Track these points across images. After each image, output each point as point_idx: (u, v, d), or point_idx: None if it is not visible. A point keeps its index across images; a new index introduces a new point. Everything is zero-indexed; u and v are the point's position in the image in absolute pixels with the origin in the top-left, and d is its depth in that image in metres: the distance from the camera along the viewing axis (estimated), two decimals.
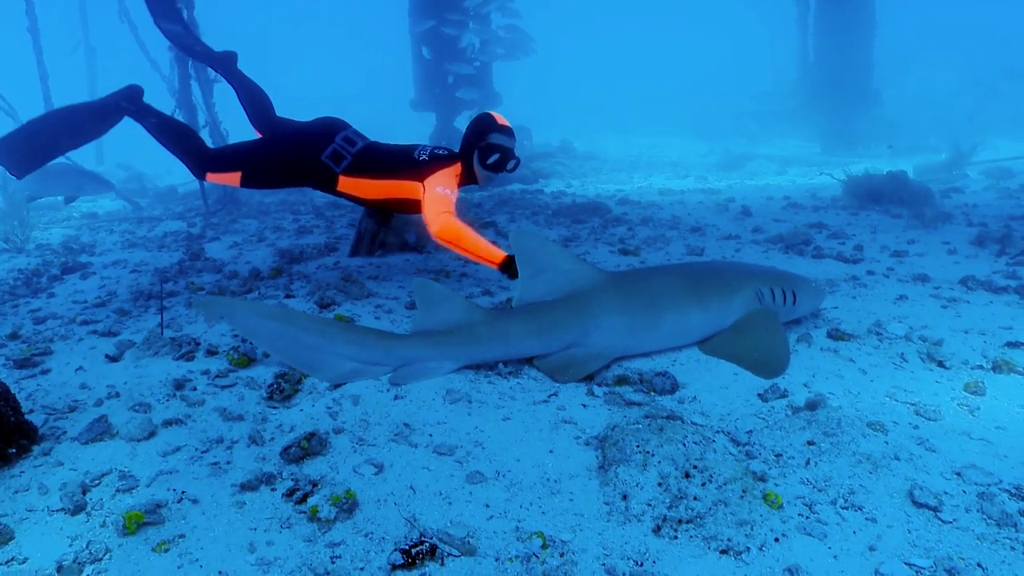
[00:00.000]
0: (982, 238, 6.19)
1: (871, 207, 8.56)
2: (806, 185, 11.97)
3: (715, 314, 3.61)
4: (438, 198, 4.34)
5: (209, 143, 10.88)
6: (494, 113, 4.65)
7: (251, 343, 3.62)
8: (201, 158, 4.89)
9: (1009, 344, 3.59)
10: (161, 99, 12.14)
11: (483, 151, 4.53)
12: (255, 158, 4.84)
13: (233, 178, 4.84)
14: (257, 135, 5.07)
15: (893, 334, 3.77)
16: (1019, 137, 19.37)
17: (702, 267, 4.05)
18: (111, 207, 12.90)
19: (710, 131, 26.16)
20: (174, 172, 20.49)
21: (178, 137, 4.96)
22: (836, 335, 3.76)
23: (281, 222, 8.92)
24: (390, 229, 6.24)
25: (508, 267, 4.04)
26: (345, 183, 4.69)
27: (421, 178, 4.50)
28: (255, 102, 5.11)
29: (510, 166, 4.58)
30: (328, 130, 4.82)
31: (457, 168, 4.63)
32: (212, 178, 4.94)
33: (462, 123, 15.70)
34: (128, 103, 5.02)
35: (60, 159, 5.91)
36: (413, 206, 4.62)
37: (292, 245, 6.83)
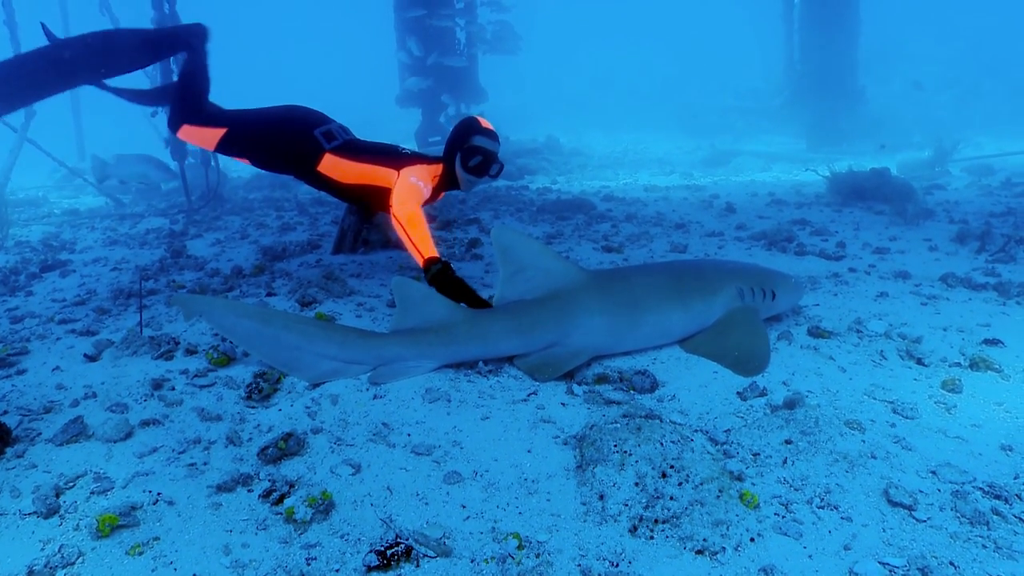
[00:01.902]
0: (963, 235, 6.25)
1: (855, 204, 8.61)
2: (790, 181, 12.02)
3: (696, 313, 3.62)
4: (410, 186, 4.33)
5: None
6: (479, 116, 4.58)
7: (230, 342, 3.59)
8: (186, 109, 4.87)
9: (987, 341, 3.62)
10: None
11: (465, 154, 4.45)
12: (245, 121, 4.83)
13: (212, 135, 4.81)
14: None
15: (873, 332, 3.79)
16: (1001, 134, 19.54)
17: (684, 266, 4.05)
18: (93, 203, 12.78)
19: (696, 128, 26.18)
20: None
21: (193, 87, 4.95)
22: (817, 332, 3.78)
23: (265, 219, 8.86)
24: (373, 227, 6.21)
25: (428, 270, 3.90)
26: (328, 162, 4.64)
27: (398, 168, 4.48)
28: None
29: (493, 171, 4.49)
30: (325, 116, 4.91)
31: (437, 169, 4.59)
32: (187, 131, 4.90)
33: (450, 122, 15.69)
34: (196, 39, 5.06)
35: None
36: (384, 196, 4.51)
37: (275, 242, 6.79)
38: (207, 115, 4.88)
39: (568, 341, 3.41)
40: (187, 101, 4.90)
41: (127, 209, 11.27)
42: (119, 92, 5.32)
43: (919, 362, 3.39)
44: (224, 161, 9.33)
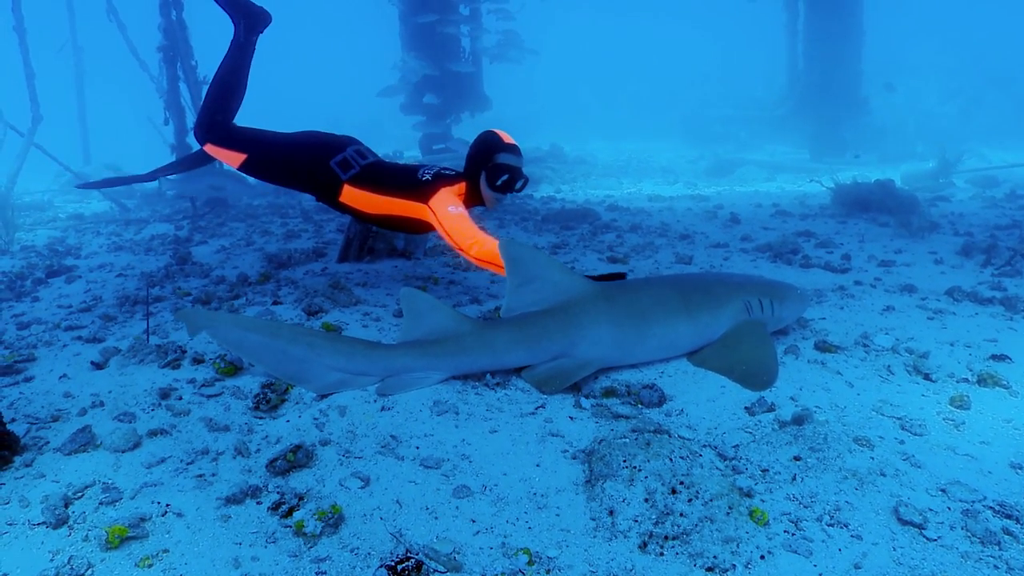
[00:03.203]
0: (968, 248, 6.24)
1: (859, 215, 8.62)
2: (795, 192, 12.04)
3: (704, 326, 3.62)
4: (457, 219, 4.21)
5: (197, 146, 10.89)
6: (499, 131, 4.50)
7: (236, 356, 3.58)
8: (215, 126, 4.84)
9: (994, 357, 3.61)
10: (150, 99, 12.10)
11: (491, 172, 4.38)
12: (268, 147, 4.79)
13: (234, 158, 4.79)
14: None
15: (880, 346, 3.79)
16: (1005, 145, 19.56)
17: (691, 279, 4.05)
18: (98, 208, 12.82)
19: (700, 137, 26.28)
20: None
21: (224, 93, 4.89)
22: (823, 347, 3.78)
23: (269, 226, 8.88)
24: (378, 235, 6.22)
25: None
26: (349, 193, 4.58)
27: (425, 199, 4.38)
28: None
29: (518, 186, 4.45)
30: (342, 140, 4.81)
31: (461, 187, 4.50)
32: (210, 150, 4.87)
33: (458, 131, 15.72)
34: (253, 35, 4.96)
35: None
36: (417, 226, 4.53)
37: (280, 250, 6.79)
38: (230, 137, 4.83)
39: (575, 352, 3.41)
40: (214, 116, 4.85)
41: (132, 214, 11.30)
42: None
43: (926, 377, 3.38)
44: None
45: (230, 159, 4.82)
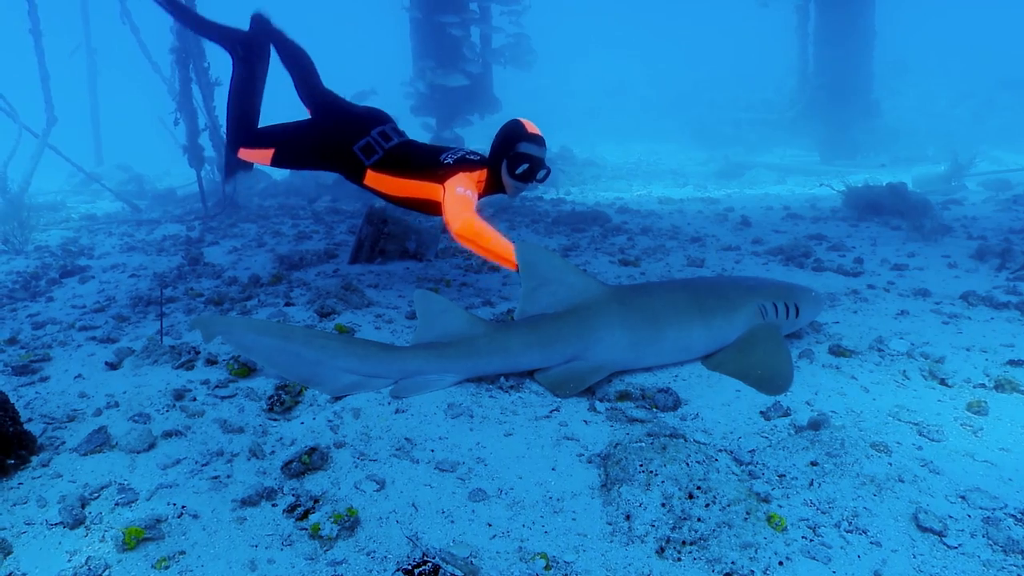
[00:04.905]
0: (982, 252, 6.20)
1: (871, 218, 8.58)
2: (805, 195, 11.99)
3: (718, 330, 3.60)
4: (458, 198, 4.25)
5: (209, 147, 10.91)
6: (524, 120, 4.48)
7: (251, 359, 3.59)
8: (245, 131, 4.91)
9: (1011, 362, 3.58)
10: (162, 101, 12.16)
11: (512, 160, 4.39)
12: (291, 138, 4.84)
13: (265, 155, 4.86)
14: (305, 108, 5.08)
15: (895, 351, 3.77)
16: (1017, 148, 19.44)
17: (704, 282, 4.04)
18: (110, 208, 12.88)
19: (709, 139, 26.18)
20: (173, 174, 20.53)
21: (241, 106, 4.96)
22: (838, 351, 3.76)
23: (280, 227, 8.90)
24: (390, 236, 6.23)
25: None
26: (372, 178, 4.64)
27: (441, 181, 4.41)
28: (299, 70, 5.08)
29: (540, 176, 4.46)
30: (367, 122, 4.78)
31: (482, 174, 4.52)
32: (244, 154, 4.94)
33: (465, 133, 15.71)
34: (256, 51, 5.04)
35: None
36: (434, 208, 4.54)
37: (291, 251, 6.81)
38: (257, 138, 4.89)
39: (588, 355, 3.40)
40: (239, 123, 4.93)
41: (144, 215, 11.36)
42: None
43: (943, 383, 3.36)
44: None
45: (262, 157, 4.89)
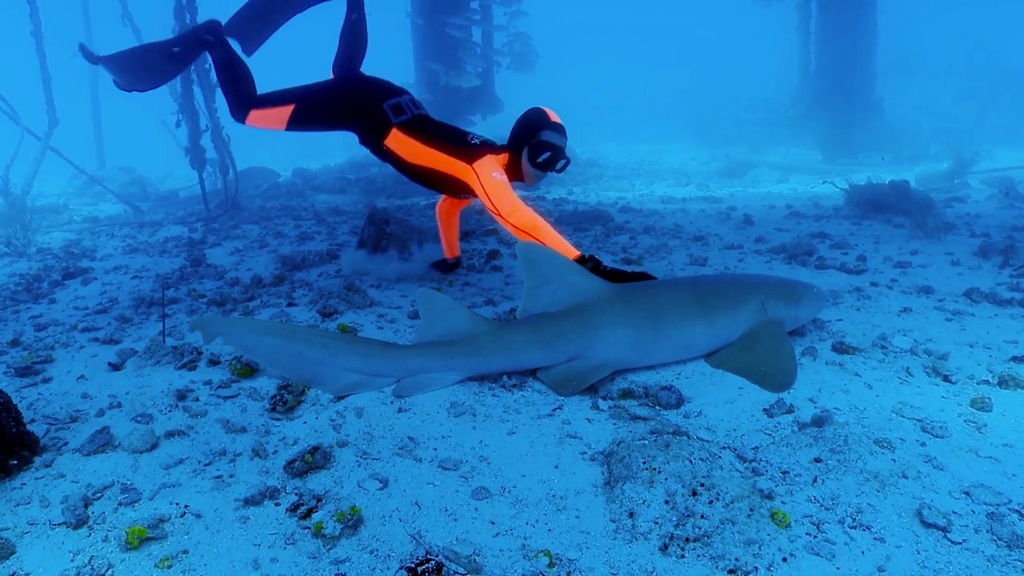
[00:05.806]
0: (985, 249, 6.19)
1: (873, 216, 8.56)
2: (808, 194, 11.97)
3: (721, 327, 3.60)
4: (499, 185, 4.20)
5: (210, 148, 10.90)
6: (546, 109, 4.46)
7: (253, 360, 3.59)
8: (248, 96, 4.84)
9: (1015, 359, 3.57)
10: (163, 102, 12.16)
11: (533, 148, 4.36)
12: (315, 94, 4.77)
13: (282, 114, 4.73)
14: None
15: (898, 347, 3.76)
16: (1020, 146, 19.40)
17: (707, 280, 4.03)
18: (112, 211, 12.89)
19: (711, 138, 26.16)
20: (175, 176, 20.55)
21: (236, 75, 4.90)
22: (841, 348, 3.75)
23: (282, 228, 8.91)
24: (392, 237, 6.23)
25: (582, 264, 3.83)
26: (395, 137, 4.60)
27: (470, 160, 4.38)
28: (352, 48, 5.05)
29: (559, 165, 4.43)
30: (398, 89, 4.83)
31: (504, 158, 4.48)
32: (256, 116, 4.81)
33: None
34: (210, 35, 4.97)
35: None
36: (453, 184, 4.52)
37: (294, 252, 6.81)
38: (269, 96, 4.81)
39: (591, 353, 3.39)
40: (240, 87, 4.84)
41: (146, 217, 11.37)
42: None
43: (946, 379, 3.35)
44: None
45: (279, 116, 4.75)
